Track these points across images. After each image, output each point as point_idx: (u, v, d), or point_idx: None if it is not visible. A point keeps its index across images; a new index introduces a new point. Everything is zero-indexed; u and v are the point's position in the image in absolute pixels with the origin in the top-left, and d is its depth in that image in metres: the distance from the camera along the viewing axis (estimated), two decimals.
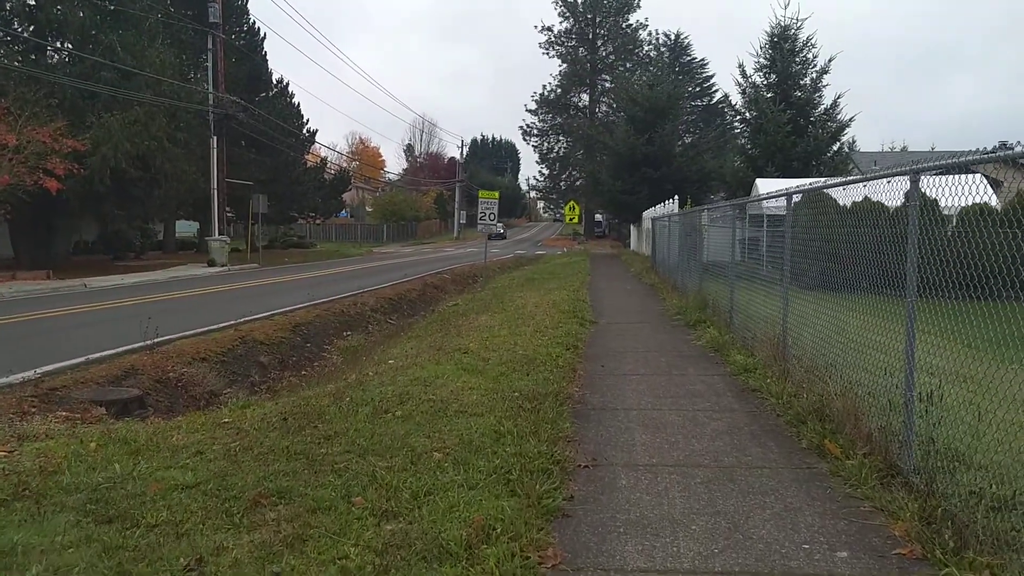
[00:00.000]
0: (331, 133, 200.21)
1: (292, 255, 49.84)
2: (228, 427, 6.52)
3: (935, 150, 51.79)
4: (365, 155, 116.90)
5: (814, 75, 34.65)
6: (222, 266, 34.41)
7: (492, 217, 28.62)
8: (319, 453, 5.56)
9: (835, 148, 34.29)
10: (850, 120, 34.10)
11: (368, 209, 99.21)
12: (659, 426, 6.49)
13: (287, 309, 18.55)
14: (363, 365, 10.52)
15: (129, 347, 12.25)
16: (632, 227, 53.98)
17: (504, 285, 25.01)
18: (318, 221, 64.41)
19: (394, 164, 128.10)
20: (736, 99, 36.03)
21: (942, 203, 5.05)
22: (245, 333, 14.95)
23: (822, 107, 34.67)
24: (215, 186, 37.95)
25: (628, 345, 10.78)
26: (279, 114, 48.94)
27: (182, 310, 18.66)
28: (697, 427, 6.46)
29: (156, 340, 11.99)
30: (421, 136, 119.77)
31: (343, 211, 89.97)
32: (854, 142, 35.18)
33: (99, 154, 28.61)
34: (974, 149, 4.97)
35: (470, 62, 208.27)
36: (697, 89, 77.00)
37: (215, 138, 37.88)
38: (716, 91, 76.14)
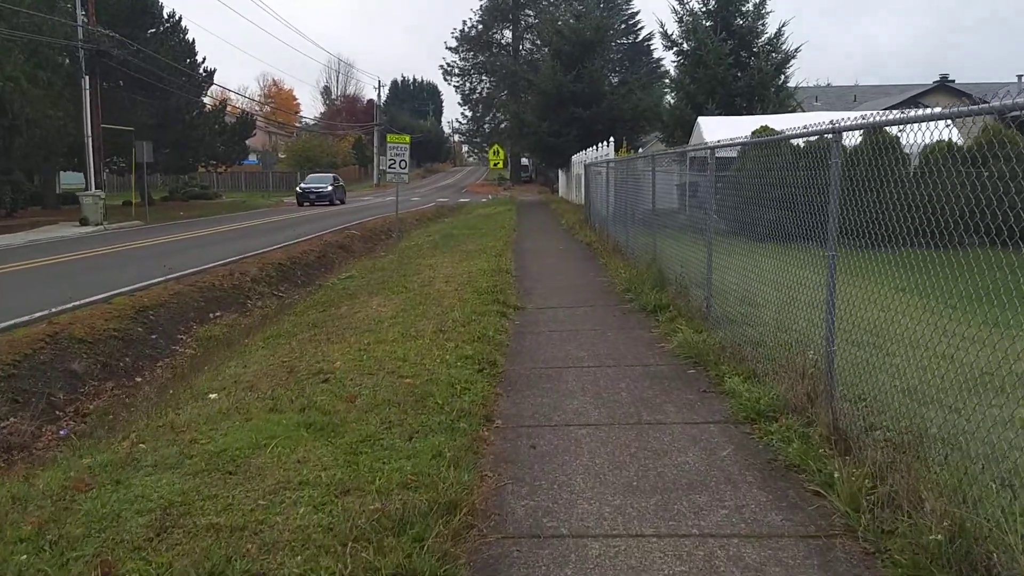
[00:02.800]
0: (241, 75, 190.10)
1: (190, 208, 45.05)
2: None
3: (858, 84, 49.74)
4: (279, 98, 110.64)
5: (756, 0, 31.56)
6: (96, 225, 29.85)
7: (404, 164, 24.87)
8: None
9: (780, 82, 31.43)
10: (796, 50, 31.26)
11: (281, 155, 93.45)
12: None
13: (137, 287, 14.73)
14: (169, 401, 7.06)
15: None
16: (560, 172, 50.74)
17: (417, 245, 21.51)
18: (220, 169, 59.10)
19: (310, 108, 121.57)
20: (672, 28, 32.72)
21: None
22: (61, 327, 11.23)
23: (765, 36, 31.70)
24: (89, 133, 32.98)
25: (569, 354, 7.52)
26: (170, 52, 43.50)
27: None
28: None
29: None
30: (337, 78, 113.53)
31: (250, 158, 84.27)
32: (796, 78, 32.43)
33: None
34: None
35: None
36: (622, 27, 73.30)
37: (87, 78, 32.79)
38: (641, 28, 72.55)
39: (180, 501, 4.26)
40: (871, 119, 4.84)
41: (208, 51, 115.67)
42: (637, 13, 75.12)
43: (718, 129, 24.35)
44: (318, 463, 4.59)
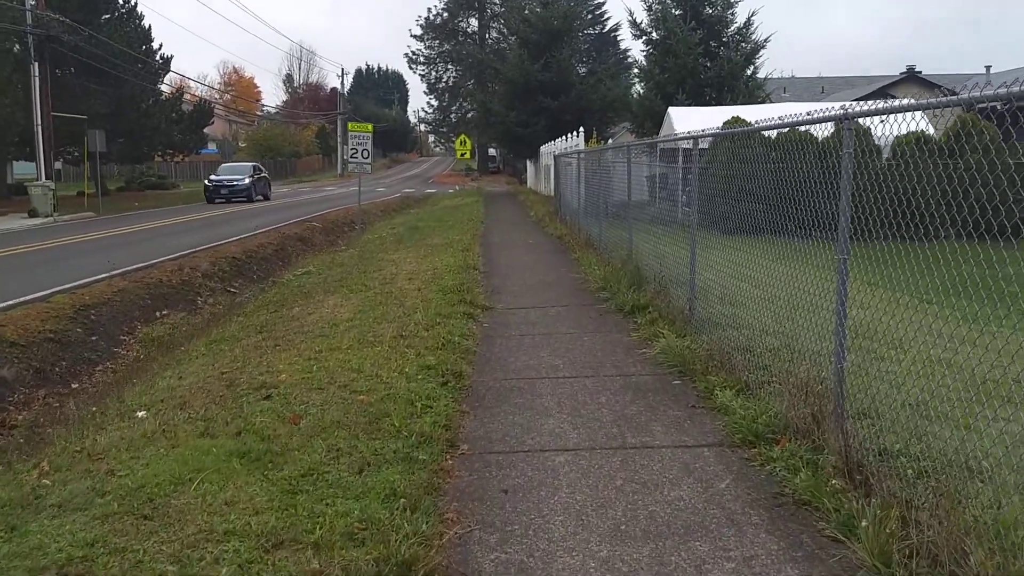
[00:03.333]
0: (201, 63, 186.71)
1: (145, 199, 43.62)
2: None
3: (822, 76, 49.60)
4: (239, 86, 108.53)
5: None
6: (46, 217, 28.58)
7: (366, 154, 24.01)
8: None
9: (749, 72, 31.00)
10: (765, 40, 30.84)
11: (241, 144, 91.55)
12: None
13: (80, 283, 13.79)
14: (94, 418, 6.26)
15: None
16: (528, 163, 50.06)
17: (380, 238, 20.72)
18: (177, 159, 57.42)
19: (272, 96, 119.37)
20: (641, 17, 32.12)
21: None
22: None
23: (735, 26, 31.25)
24: (39, 122, 31.57)
25: (543, 361, 6.86)
26: (124, 39, 41.92)
27: None
28: None
29: None
30: (300, 66, 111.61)
31: (209, 147, 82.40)
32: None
33: None
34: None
35: None
36: (589, 16, 72.57)
37: (36, 64, 31.37)
38: (608, 19, 71.91)
39: (82, 556, 3.54)
40: (879, 105, 4.25)
41: (166, 38, 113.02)
42: (604, 3, 74.41)
43: (689, 120, 23.85)
44: (249, 505, 3.88)
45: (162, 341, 12.09)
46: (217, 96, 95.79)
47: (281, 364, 6.62)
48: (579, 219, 17.40)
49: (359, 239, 22.69)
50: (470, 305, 9.13)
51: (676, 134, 23.48)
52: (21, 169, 49.38)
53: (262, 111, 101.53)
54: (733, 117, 20.59)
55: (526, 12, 44.70)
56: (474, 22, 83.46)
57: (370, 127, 24.58)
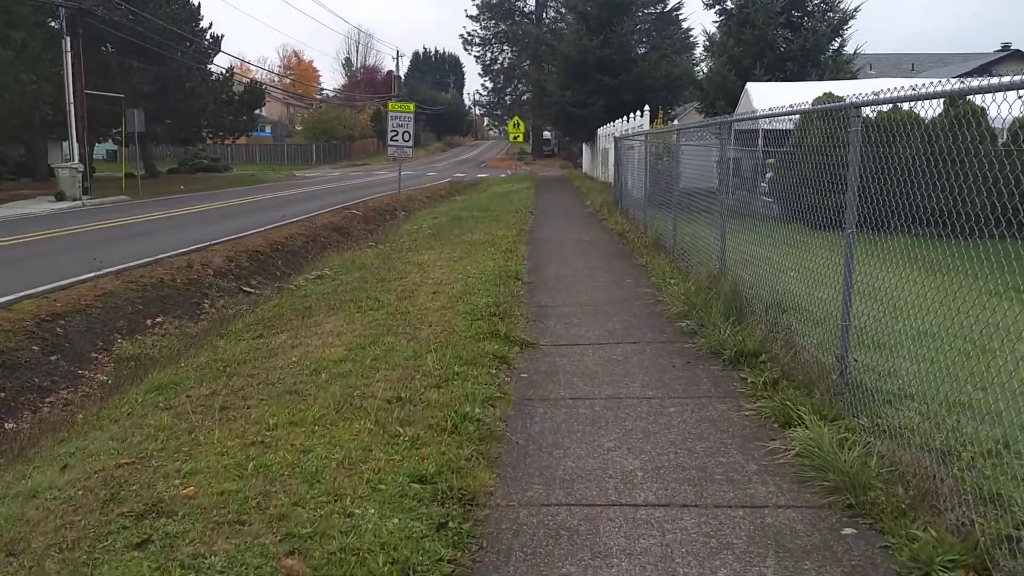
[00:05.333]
0: (261, 47, 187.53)
1: (192, 182, 42.20)
2: None
3: (911, 52, 45.51)
4: (299, 70, 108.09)
5: None
6: (73, 200, 26.96)
7: (407, 137, 21.62)
8: None
9: (835, 46, 27.79)
10: (855, 10, 27.54)
11: (297, 127, 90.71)
12: None
13: (59, 285, 11.76)
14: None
15: None
16: (584, 146, 47.29)
17: (418, 230, 18.46)
18: (227, 141, 56.01)
19: (330, 80, 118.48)
20: None
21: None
22: None
23: None
24: (71, 100, 30.04)
25: (607, 461, 4.21)
26: (169, 16, 40.32)
27: None
28: None
29: None
30: (357, 49, 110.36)
31: (263, 129, 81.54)
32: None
33: None
34: None
35: None
36: None
37: (68, 39, 29.79)
38: None
39: None
40: None
41: (227, 21, 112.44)
42: None
43: (772, 96, 20.97)
44: None
45: (142, 360, 9.97)
46: (276, 79, 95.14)
47: (206, 455, 4.28)
48: (643, 212, 14.80)
49: (396, 231, 20.44)
50: (504, 340, 6.66)
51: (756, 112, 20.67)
52: (67, 151, 48.09)
53: (321, 94, 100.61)
54: (825, 93, 17.72)
55: None
56: (531, 1, 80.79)
57: (412, 107, 22.19)
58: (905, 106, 5.62)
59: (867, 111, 4.90)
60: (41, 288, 11.49)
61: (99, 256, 14.00)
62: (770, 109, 7.48)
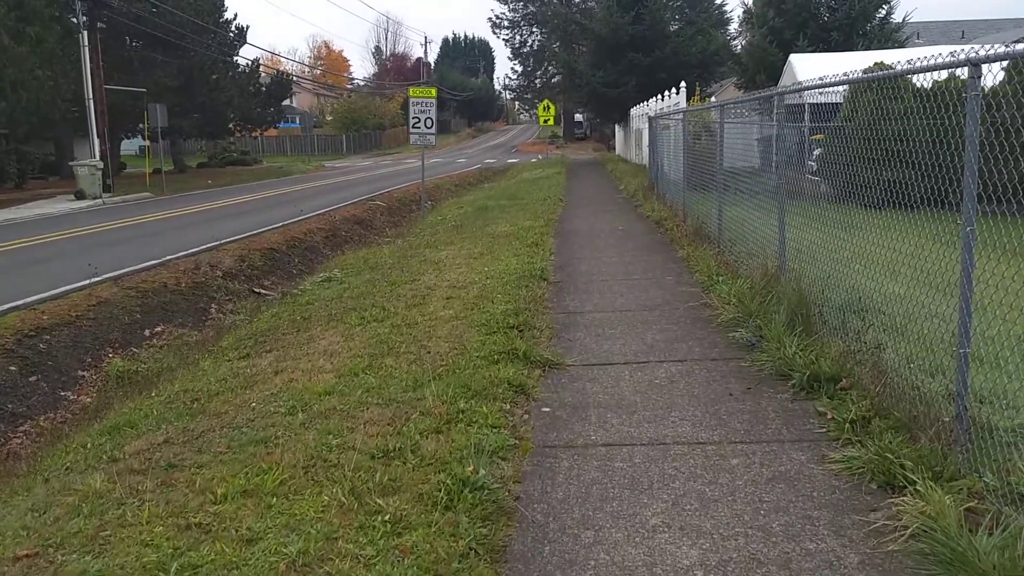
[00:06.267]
0: (291, 38, 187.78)
1: (220, 176, 41.69)
2: None
3: (957, 19, 43.18)
4: (329, 60, 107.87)
5: None
6: (93, 199, 26.34)
7: (429, 123, 20.61)
8: None
9: (882, 13, 26.10)
10: None
11: (328, 117, 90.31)
12: None
13: (50, 294, 10.90)
14: None
15: None
16: (617, 127, 45.83)
17: (442, 221, 17.46)
18: (255, 134, 55.35)
19: (360, 69, 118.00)
20: None
21: None
22: None
23: None
24: (90, 95, 29.42)
25: (655, 552, 3.12)
26: (192, 8, 39.54)
27: None
28: None
29: None
30: (386, 37, 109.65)
31: (292, 120, 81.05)
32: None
33: None
34: None
35: None
36: None
37: (85, 33, 29.16)
38: None
39: None
40: None
41: (258, 14, 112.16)
42: None
43: (818, 68, 19.50)
44: None
45: (134, 377, 9.06)
46: (306, 69, 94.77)
47: (125, 547, 3.25)
48: (682, 196, 13.57)
49: (419, 223, 19.42)
50: (523, 361, 5.56)
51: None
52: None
53: (351, 83, 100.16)
54: (876, 63, 16.29)
55: None
56: None
57: (434, 92, 21.17)
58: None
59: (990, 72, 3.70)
60: (32, 298, 10.65)
61: (104, 259, 13.19)
62: (826, 78, 6.32)
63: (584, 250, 11.37)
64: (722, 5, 49.76)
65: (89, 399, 8.69)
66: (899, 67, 4.52)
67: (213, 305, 12.66)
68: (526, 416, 4.74)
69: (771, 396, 4.87)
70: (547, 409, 4.88)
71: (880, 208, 5.16)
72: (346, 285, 9.79)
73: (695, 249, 10.06)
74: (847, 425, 4.15)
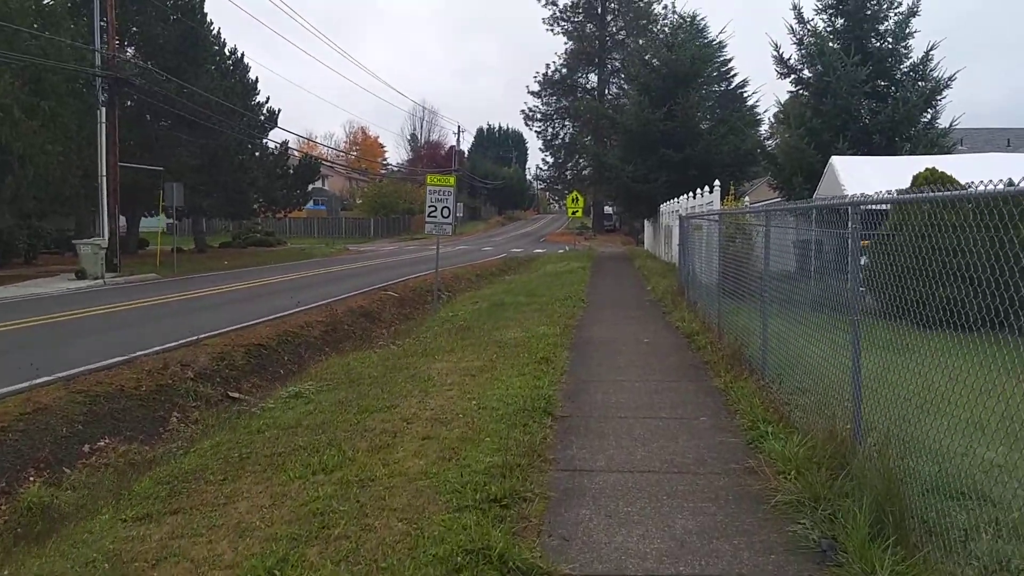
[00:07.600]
0: (328, 123, 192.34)
1: (241, 257, 40.99)
2: None
3: (1006, 127, 41.98)
4: (365, 145, 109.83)
5: (898, 17, 25.15)
6: (94, 279, 25.28)
7: (446, 213, 19.36)
8: None
9: (927, 118, 24.80)
10: (950, 79, 24.53)
11: (358, 201, 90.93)
12: None
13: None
14: None
15: None
16: (646, 222, 44.65)
17: (451, 318, 15.92)
18: (279, 215, 55.00)
19: (395, 154, 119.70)
20: (789, 52, 26.47)
21: None
22: None
23: (909, 61, 25.18)
24: (103, 172, 28.81)
25: None
26: (222, 90, 39.43)
27: None
28: None
29: None
30: (422, 125, 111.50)
31: (320, 203, 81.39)
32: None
33: None
34: None
35: (480, 50, 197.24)
36: (715, 74, 66.90)
37: (103, 110, 28.72)
38: (735, 75, 65.55)
39: None
40: None
41: (296, 99, 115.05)
42: (731, 60, 68.92)
43: (862, 171, 18.09)
44: None
45: (50, 510, 7.44)
46: (340, 154, 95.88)
47: None
48: (716, 304, 11.93)
49: (428, 319, 17.92)
50: (496, 571, 3.86)
51: (844, 190, 17.82)
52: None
53: (385, 168, 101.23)
54: (928, 169, 14.80)
55: (647, 56, 39.77)
56: (593, 78, 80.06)
57: (452, 180, 19.93)
58: None
59: None
60: None
61: (69, 354, 11.77)
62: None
63: (602, 369, 9.68)
64: (753, 107, 49.29)
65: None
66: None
67: (175, 413, 11.07)
68: None
69: None
70: None
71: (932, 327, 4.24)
72: (313, 406, 8.17)
73: (734, 379, 8.35)
74: None
